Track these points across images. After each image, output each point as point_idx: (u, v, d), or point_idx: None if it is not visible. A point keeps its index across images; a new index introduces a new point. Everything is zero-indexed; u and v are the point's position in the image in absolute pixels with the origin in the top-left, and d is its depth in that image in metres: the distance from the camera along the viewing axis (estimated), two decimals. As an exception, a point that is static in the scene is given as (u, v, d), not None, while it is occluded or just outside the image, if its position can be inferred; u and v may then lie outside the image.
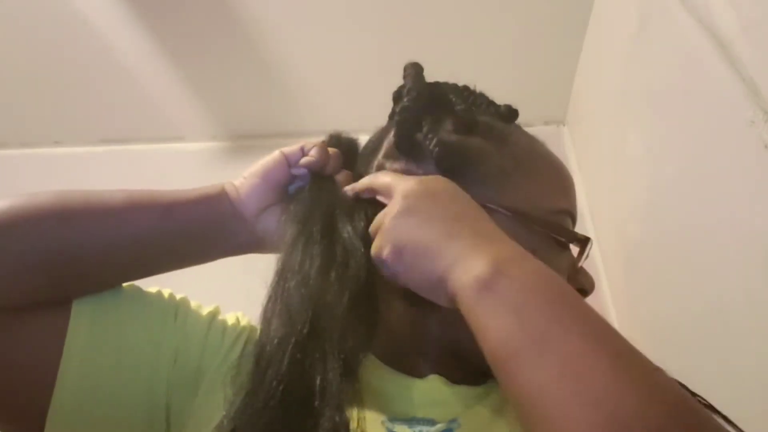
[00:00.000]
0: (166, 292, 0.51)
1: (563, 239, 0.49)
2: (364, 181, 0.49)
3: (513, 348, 0.31)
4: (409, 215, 0.40)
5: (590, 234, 1.14)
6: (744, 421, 0.47)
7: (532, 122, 1.26)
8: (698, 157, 0.68)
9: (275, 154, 0.51)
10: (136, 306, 0.48)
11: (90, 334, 0.45)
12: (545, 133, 1.26)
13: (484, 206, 0.44)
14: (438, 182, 0.43)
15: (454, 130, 0.50)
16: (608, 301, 1.06)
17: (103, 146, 1.34)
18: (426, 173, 0.47)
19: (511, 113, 0.55)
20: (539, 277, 0.35)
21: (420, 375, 0.46)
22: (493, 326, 0.33)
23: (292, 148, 0.51)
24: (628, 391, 0.28)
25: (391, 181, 0.45)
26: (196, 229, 0.48)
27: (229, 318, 0.52)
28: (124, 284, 0.49)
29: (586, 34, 1.13)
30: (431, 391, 0.45)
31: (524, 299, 0.33)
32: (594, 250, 1.11)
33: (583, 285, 0.51)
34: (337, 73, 1.23)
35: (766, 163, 0.53)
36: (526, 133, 0.55)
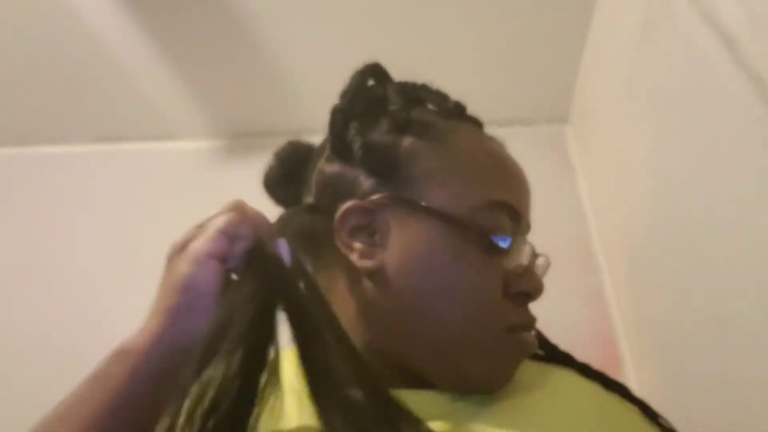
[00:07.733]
0: None
1: (485, 242, 0.46)
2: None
3: None
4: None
5: (592, 233, 1.13)
6: (746, 420, 0.46)
7: (534, 120, 1.25)
8: (704, 155, 0.67)
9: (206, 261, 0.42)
10: None
11: None
12: (548, 131, 1.26)
13: (410, 204, 0.46)
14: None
15: (387, 130, 0.50)
16: (611, 300, 1.05)
17: (97, 144, 1.33)
18: (357, 175, 0.49)
19: (457, 109, 0.54)
20: None
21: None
22: None
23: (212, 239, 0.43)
24: None
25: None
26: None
27: None
28: None
29: (589, 31, 1.12)
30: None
31: None
32: (597, 250, 1.11)
33: (523, 288, 0.47)
34: (335, 71, 1.21)
35: (775, 161, 0.52)
36: (474, 131, 0.53)
